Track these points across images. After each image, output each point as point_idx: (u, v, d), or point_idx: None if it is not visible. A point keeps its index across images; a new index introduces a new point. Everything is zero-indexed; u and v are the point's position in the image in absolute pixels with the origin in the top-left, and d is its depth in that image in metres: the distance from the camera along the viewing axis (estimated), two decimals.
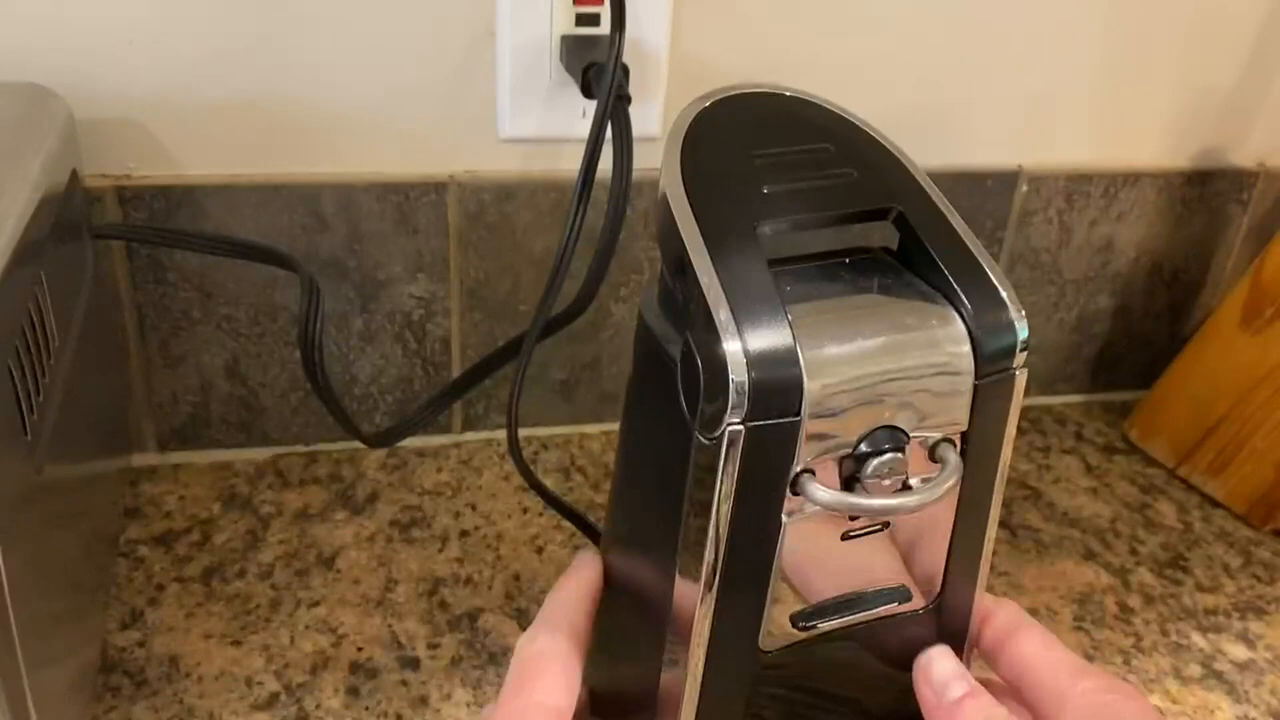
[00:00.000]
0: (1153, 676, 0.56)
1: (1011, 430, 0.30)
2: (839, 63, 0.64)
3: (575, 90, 0.57)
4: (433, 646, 0.54)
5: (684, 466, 0.28)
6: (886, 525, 0.30)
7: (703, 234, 0.28)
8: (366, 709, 0.50)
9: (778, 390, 0.26)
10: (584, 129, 0.52)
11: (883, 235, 0.32)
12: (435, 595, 0.57)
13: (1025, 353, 0.29)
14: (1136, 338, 0.78)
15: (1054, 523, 0.66)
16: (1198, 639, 0.58)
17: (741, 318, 0.26)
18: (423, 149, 0.61)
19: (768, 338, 0.26)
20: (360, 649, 0.53)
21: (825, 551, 0.30)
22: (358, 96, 0.59)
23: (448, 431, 0.69)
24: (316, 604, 0.56)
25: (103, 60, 0.55)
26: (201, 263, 0.60)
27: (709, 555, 0.28)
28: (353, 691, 0.51)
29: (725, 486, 0.27)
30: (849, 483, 0.28)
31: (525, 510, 0.64)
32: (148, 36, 0.55)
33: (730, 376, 0.26)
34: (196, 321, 0.62)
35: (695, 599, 0.28)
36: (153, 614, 0.55)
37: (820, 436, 0.27)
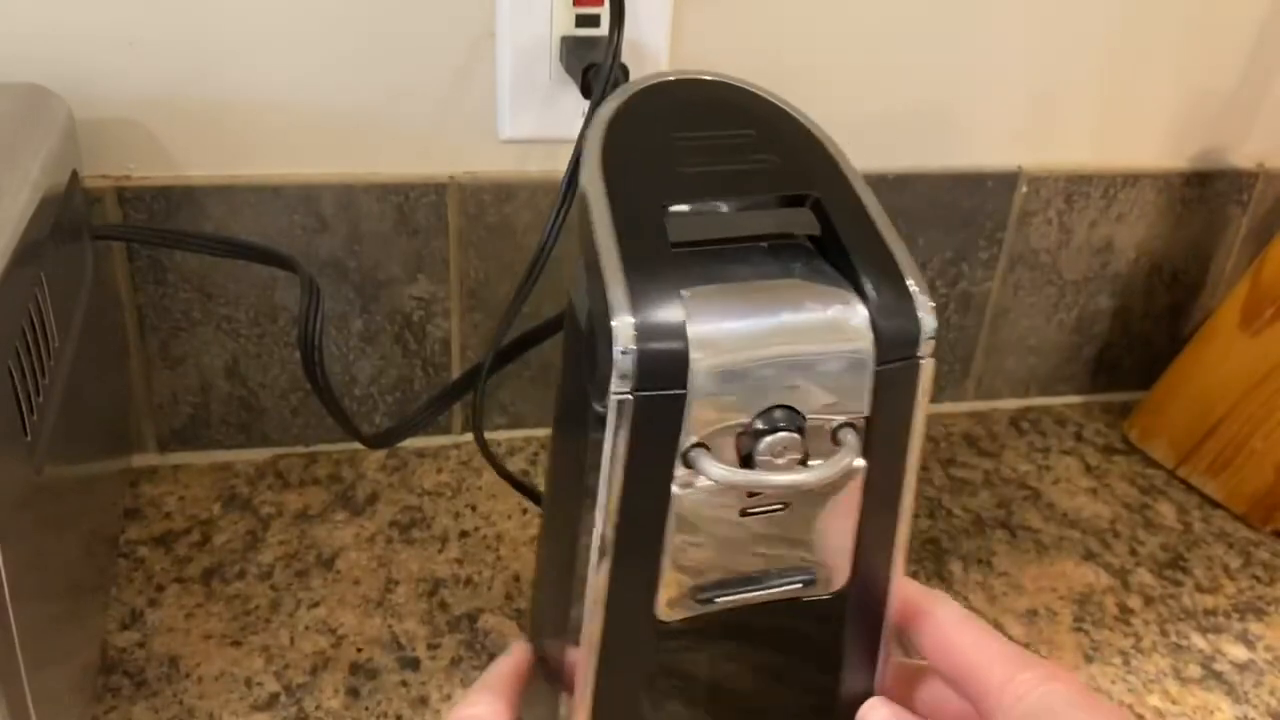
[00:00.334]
0: (1152, 677, 0.56)
1: (920, 419, 0.31)
2: (839, 63, 0.64)
3: (575, 91, 0.57)
4: (433, 647, 0.54)
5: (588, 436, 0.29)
6: (786, 506, 0.30)
7: (611, 211, 0.29)
8: (366, 709, 0.50)
9: (664, 363, 0.27)
10: None
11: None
12: (435, 596, 0.57)
13: (932, 342, 0.29)
14: (1136, 338, 0.78)
15: (1054, 523, 0.66)
16: (1197, 639, 0.58)
17: (635, 293, 0.27)
18: (423, 149, 0.61)
19: (657, 313, 0.27)
20: (360, 649, 0.53)
21: (732, 530, 0.31)
22: (358, 96, 0.59)
23: (448, 432, 0.69)
24: (316, 605, 0.56)
25: (103, 60, 0.55)
26: (201, 263, 0.60)
27: (600, 521, 0.29)
28: (353, 692, 0.51)
29: (613, 451, 0.28)
30: (747, 461, 0.29)
31: (525, 511, 0.64)
32: (148, 36, 0.55)
33: (616, 347, 0.27)
34: (196, 322, 0.62)
35: (592, 565, 0.30)
36: (153, 614, 0.55)
37: (715, 412, 0.28)
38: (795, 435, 0.29)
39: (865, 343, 0.29)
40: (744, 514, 0.30)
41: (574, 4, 0.57)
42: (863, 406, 0.29)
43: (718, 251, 0.31)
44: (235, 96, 0.57)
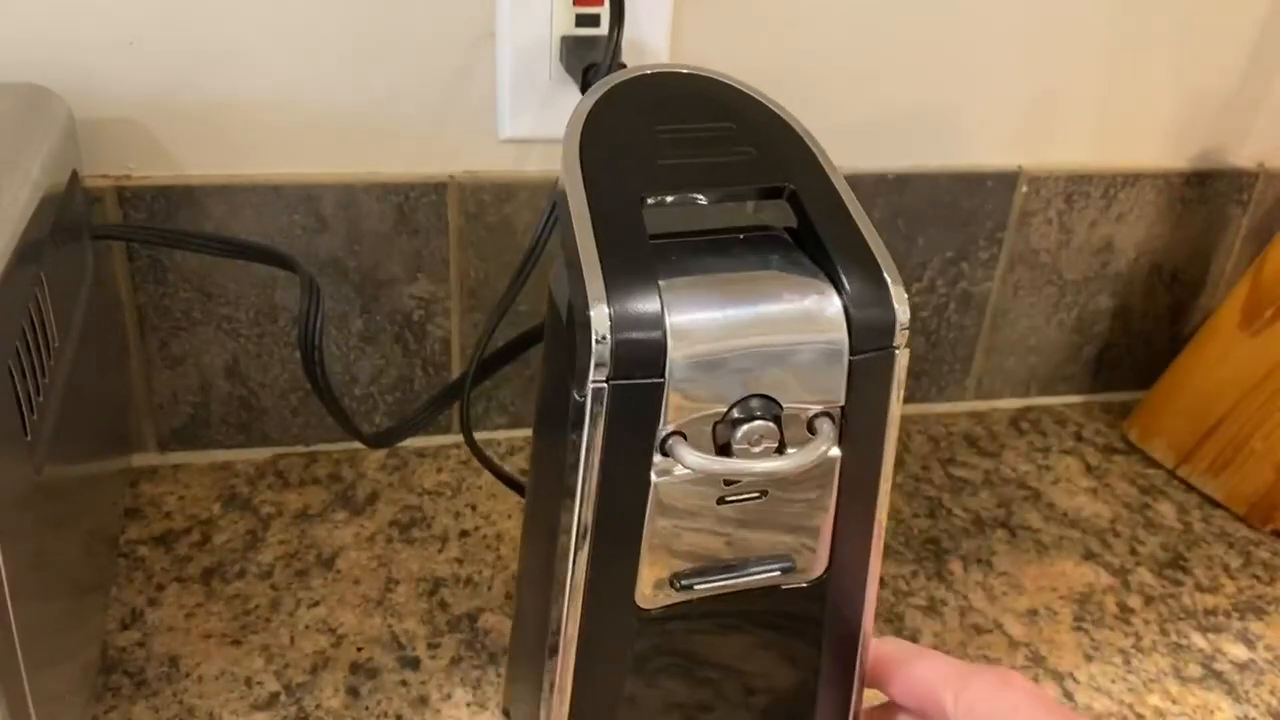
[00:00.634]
0: (1152, 676, 0.56)
1: (895, 408, 0.31)
2: (839, 63, 0.64)
3: (575, 91, 0.57)
4: (433, 646, 0.54)
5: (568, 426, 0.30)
6: (764, 494, 0.31)
7: (589, 203, 0.29)
8: (366, 709, 0.50)
9: (641, 352, 0.28)
10: None
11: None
12: (435, 595, 0.57)
13: (906, 333, 0.30)
14: (1136, 338, 0.78)
15: (1054, 523, 0.66)
16: (1197, 639, 0.58)
17: (612, 283, 0.28)
18: (423, 149, 0.61)
19: (635, 303, 0.28)
20: (360, 649, 0.53)
21: (710, 518, 0.31)
22: (358, 96, 0.59)
23: (448, 432, 0.69)
24: (316, 604, 0.56)
25: (103, 60, 0.55)
26: (201, 263, 0.60)
27: (578, 508, 0.29)
28: (353, 692, 0.51)
29: (591, 439, 0.28)
30: (724, 449, 0.30)
31: None
32: (148, 36, 0.55)
33: (593, 337, 0.27)
34: (197, 322, 0.62)
35: (571, 551, 0.30)
36: (153, 614, 0.55)
37: (691, 401, 0.29)
38: (771, 424, 0.29)
39: (840, 333, 0.29)
40: (721, 502, 0.31)
41: (574, 4, 0.57)
42: (838, 396, 0.30)
43: (695, 243, 0.31)
44: (235, 96, 0.58)
